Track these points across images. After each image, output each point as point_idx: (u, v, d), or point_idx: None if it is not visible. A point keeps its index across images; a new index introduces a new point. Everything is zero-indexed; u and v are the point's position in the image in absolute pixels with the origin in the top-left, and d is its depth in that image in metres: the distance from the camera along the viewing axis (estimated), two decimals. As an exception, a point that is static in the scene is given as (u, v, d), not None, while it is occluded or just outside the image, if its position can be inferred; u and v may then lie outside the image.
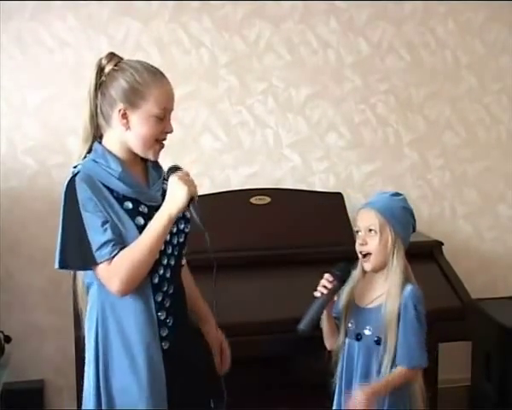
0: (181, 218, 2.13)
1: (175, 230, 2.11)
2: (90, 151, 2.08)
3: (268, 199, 3.15)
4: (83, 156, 2.08)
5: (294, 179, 3.63)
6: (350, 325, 2.31)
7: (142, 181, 2.13)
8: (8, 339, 3.14)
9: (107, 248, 1.97)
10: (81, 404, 2.79)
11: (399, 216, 2.28)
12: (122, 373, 2.04)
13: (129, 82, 2.03)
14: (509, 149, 3.90)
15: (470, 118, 3.85)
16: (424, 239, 3.42)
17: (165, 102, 2.05)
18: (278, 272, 2.43)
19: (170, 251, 2.10)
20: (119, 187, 2.04)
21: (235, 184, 3.53)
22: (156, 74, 2.05)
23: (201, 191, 3.41)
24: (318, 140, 3.67)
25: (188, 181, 2.02)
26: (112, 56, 2.08)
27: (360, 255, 2.30)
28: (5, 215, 3.33)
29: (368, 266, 2.27)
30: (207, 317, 2.28)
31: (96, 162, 2.05)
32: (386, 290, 2.26)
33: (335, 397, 2.34)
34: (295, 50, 3.60)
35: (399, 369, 2.22)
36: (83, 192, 1.98)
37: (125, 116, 2.03)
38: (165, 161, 2.17)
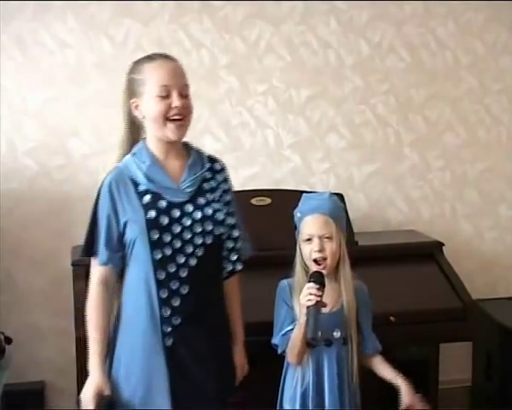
0: (208, 217, 2.16)
1: (199, 229, 2.14)
2: None
3: (268, 200, 3.15)
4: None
5: (295, 180, 3.63)
6: None
7: (175, 177, 2.19)
8: (8, 340, 3.14)
9: (101, 256, 2.16)
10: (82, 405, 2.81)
11: (342, 217, 2.43)
12: (126, 360, 2.15)
13: (129, 77, 2.19)
14: (510, 149, 3.90)
15: (470, 118, 3.85)
16: (425, 240, 3.43)
17: (162, 79, 2.14)
18: (278, 273, 2.42)
19: (190, 251, 2.13)
20: (143, 181, 2.14)
21: (236, 185, 3.49)
22: (152, 57, 2.18)
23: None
24: (319, 141, 3.67)
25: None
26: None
27: (313, 262, 2.33)
28: (5, 216, 3.33)
29: (321, 268, 2.31)
30: (236, 339, 2.32)
31: (134, 155, 2.19)
32: (343, 290, 2.36)
33: (298, 402, 2.35)
34: (295, 51, 3.60)
35: (378, 357, 2.41)
36: (102, 196, 2.16)
37: (137, 107, 2.17)
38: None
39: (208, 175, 2.25)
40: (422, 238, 3.47)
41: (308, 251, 2.34)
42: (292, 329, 2.31)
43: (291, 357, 2.33)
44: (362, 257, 2.49)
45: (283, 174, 3.63)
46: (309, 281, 2.25)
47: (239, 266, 2.34)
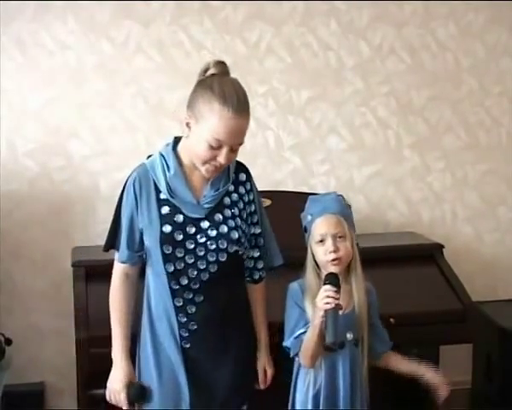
0: (223, 236, 2.13)
1: (213, 247, 2.12)
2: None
3: (269, 202, 3.14)
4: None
5: (295, 182, 3.62)
6: None
7: (197, 190, 2.16)
8: (8, 342, 3.14)
9: (121, 254, 2.22)
10: (82, 406, 2.82)
11: (351, 216, 2.41)
12: (144, 351, 2.23)
13: (198, 94, 2.06)
14: (510, 151, 3.90)
15: (471, 120, 3.84)
16: (425, 242, 3.43)
17: (220, 133, 2.01)
18: (279, 274, 2.42)
19: (203, 267, 2.12)
20: (164, 190, 2.12)
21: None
22: (226, 99, 2.00)
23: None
24: (319, 143, 3.67)
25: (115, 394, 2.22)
26: (217, 64, 2.10)
27: (328, 262, 2.30)
28: (5, 218, 3.33)
29: (336, 268, 2.29)
30: (260, 344, 2.32)
31: (162, 156, 2.14)
32: (354, 291, 2.35)
33: (310, 404, 2.34)
34: (296, 53, 3.60)
35: (392, 353, 2.45)
36: (127, 193, 2.16)
37: (188, 125, 2.07)
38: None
39: (231, 188, 2.22)
40: (422, 240, 3.47)
41: (322, 252, 2.31)
42: (305, 332, 2.28)
43: (304, 360, 2.29)
44: (362, 259, 2.48)
45: (283, 176, 3.63)
46: (324, 283, 2.21)
47: (263, 274, 2.34)
